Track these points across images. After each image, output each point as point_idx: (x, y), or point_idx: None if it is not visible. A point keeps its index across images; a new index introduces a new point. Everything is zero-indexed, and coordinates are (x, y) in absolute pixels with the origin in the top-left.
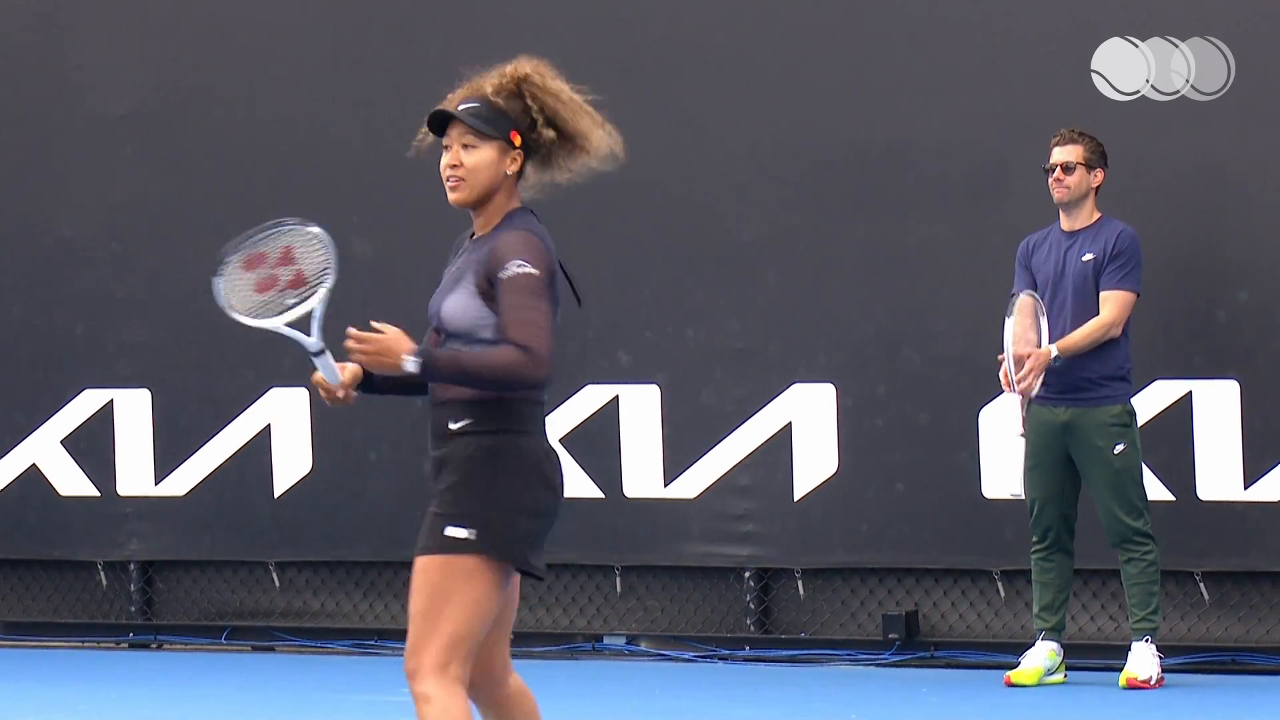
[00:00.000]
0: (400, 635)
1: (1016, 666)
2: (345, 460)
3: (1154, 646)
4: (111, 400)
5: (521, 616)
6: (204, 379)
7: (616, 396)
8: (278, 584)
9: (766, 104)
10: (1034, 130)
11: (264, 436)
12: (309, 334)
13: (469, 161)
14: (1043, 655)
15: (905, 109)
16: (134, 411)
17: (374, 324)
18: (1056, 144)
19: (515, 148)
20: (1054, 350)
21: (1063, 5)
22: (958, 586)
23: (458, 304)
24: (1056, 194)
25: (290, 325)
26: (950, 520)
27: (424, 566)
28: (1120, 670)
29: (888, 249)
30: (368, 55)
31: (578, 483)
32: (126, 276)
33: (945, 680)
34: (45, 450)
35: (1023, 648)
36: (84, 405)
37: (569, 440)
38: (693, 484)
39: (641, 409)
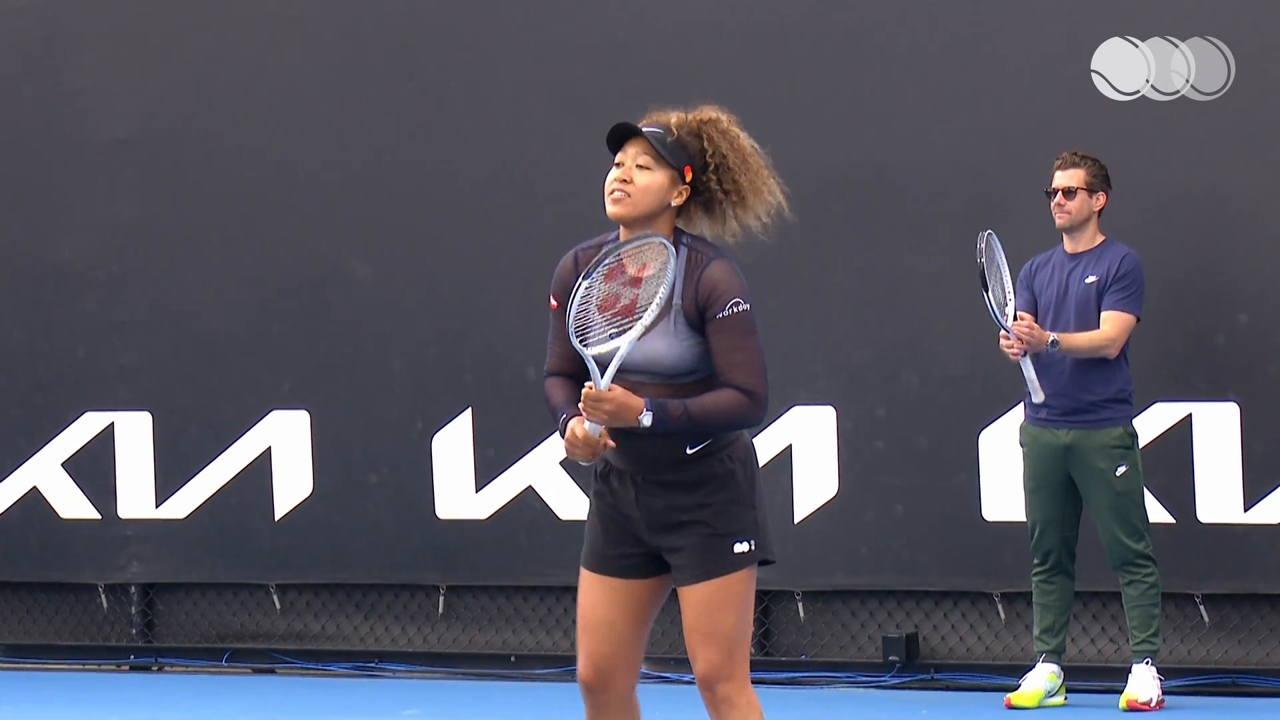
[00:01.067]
0: (400, 657)
1: (1017, 689)
2: (346, 483)
3: (1154, 669)
4: (112, 423)
5: (521, 639)
6: (204, 402)
7: None
8: (278, 606)
9: (764, 127)
10: (1035, 136)
11: (264, 459)
12: (602, 373)
13: (640, 180)
14: (1043, 677)
15: (906, 118)
16: (135, 434)
17: (595, 390)
18: (1059, 168)
19: (685, 182)
20: (1053, 337)
21: (1063, 6)
22: (958, 609)
23: (672, 349)
24: (1058, 219)
25: (596, 356)
26: (950, 542)
27: (724, 585)
28: (1121, 692)
29: (888, 271)
30: (366, 79)
31: (571, 509)
32: (126, 299)
33: (945, 702)
34: (46, 473)
35: (1023, 670)
36: (85, 428)
37: (570, 465)
38: None
39: None
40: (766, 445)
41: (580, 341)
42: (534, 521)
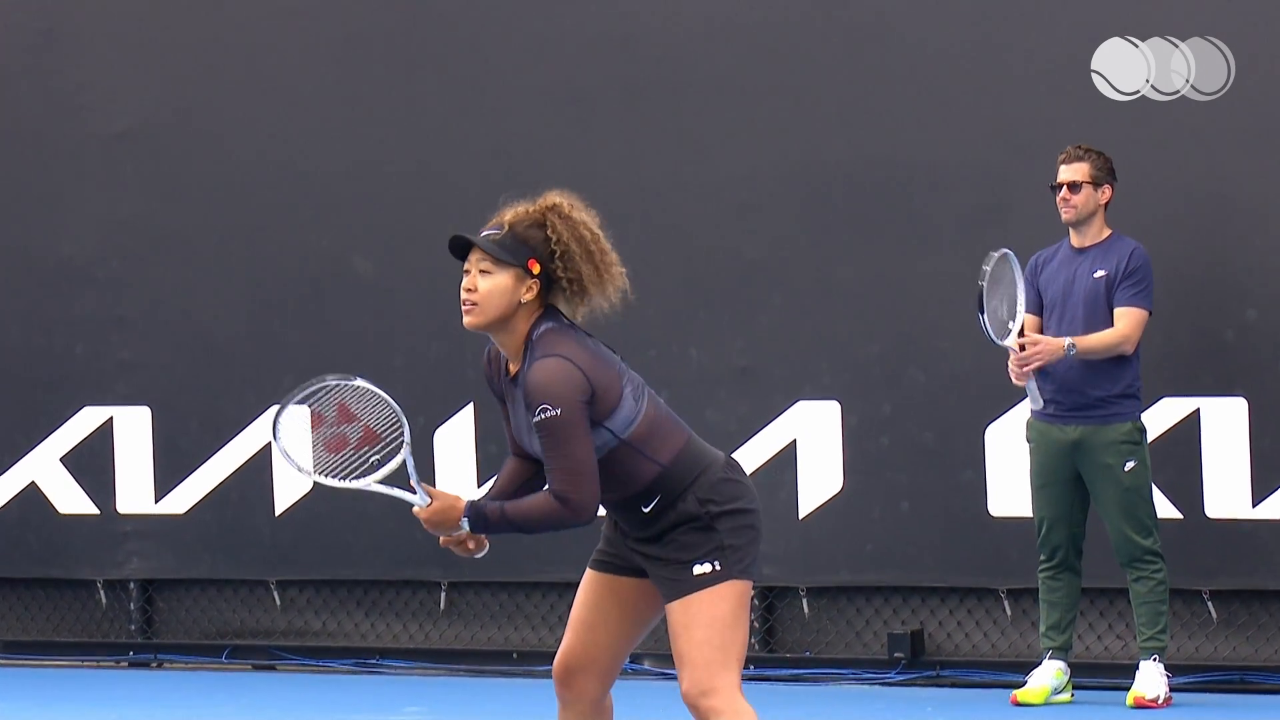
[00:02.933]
0: (401, 654)
1: (1023, 685)
2: None
3: (1162, 665)
4: (111, 418)
5: (524, 635)
6: (204, 397)
7: None
8: (279, 603)
9: (768, 124)
10: (1036, 135)
11: (264, 455)
12: (411, 490)
13: (483, 287)
14: (1050, 674)
15: (907, 122)
16: (134, 429)
17: (424, 487)
18: (1063, 161)
19: (533, 276)
20: (1069, 341)
21: (1063, 6)
22: (964, 605)
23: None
24: (1064, 213)
25: (383, 483)
26: (956, 539)
27: (686, 606)
28: (1128, 689)
29: (892, 267)
30: (367, 74)
31: None
32: (126, 295)
33: (951, 699)
34: (45, 468)
35: (1029, 666)
36: (83, 423)
37: None
38: None
39: None
40: (771, 441)
41: (349, 479)
42: None
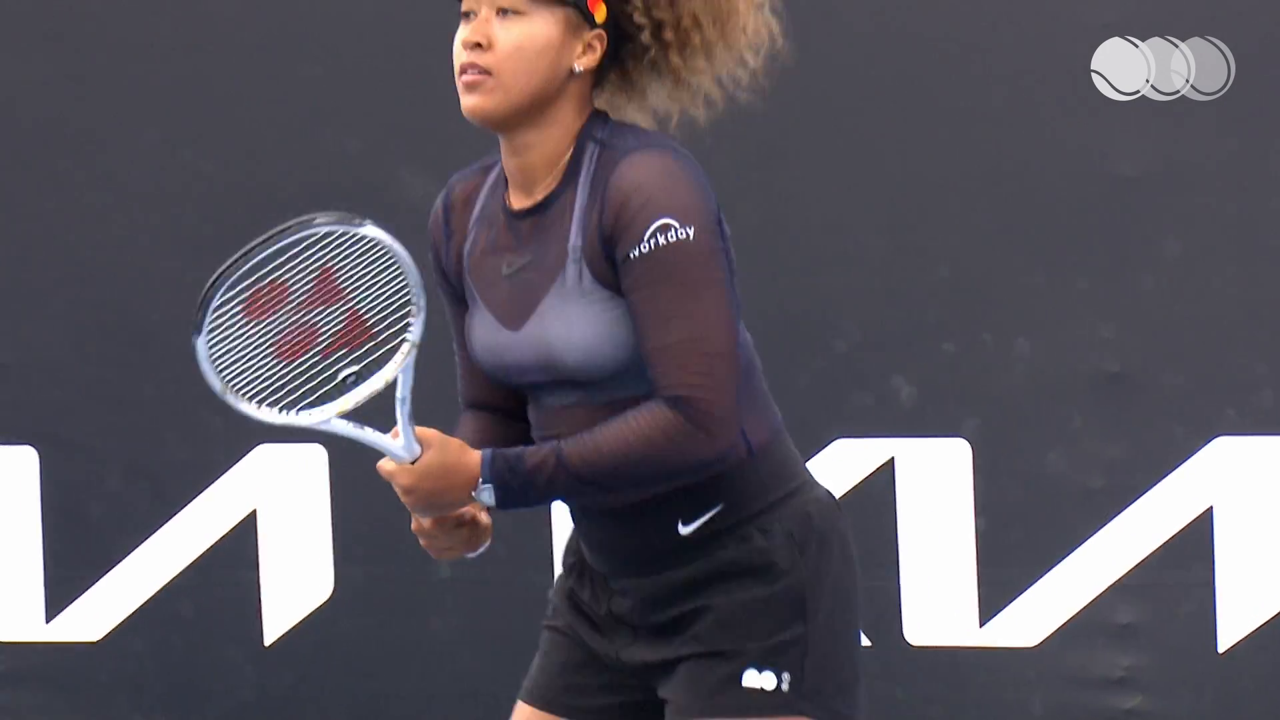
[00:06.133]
0: None
1: None
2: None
3: None
4: None
5: None
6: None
7: None
8: None
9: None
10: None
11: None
12: (394, 434)
13: (505, 39)
14: None
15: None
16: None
17: (416, 430)
18: None
19: (594, 25)
20: None
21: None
22: None
23: (578, 329)
24: None
25: (348, 418)
26: None
27: None
28: None
29: None
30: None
31: None
32: None
33: None
34: None
35: None
36: None
37: None
38: None
39: None
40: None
41: (293, 413)
42: None
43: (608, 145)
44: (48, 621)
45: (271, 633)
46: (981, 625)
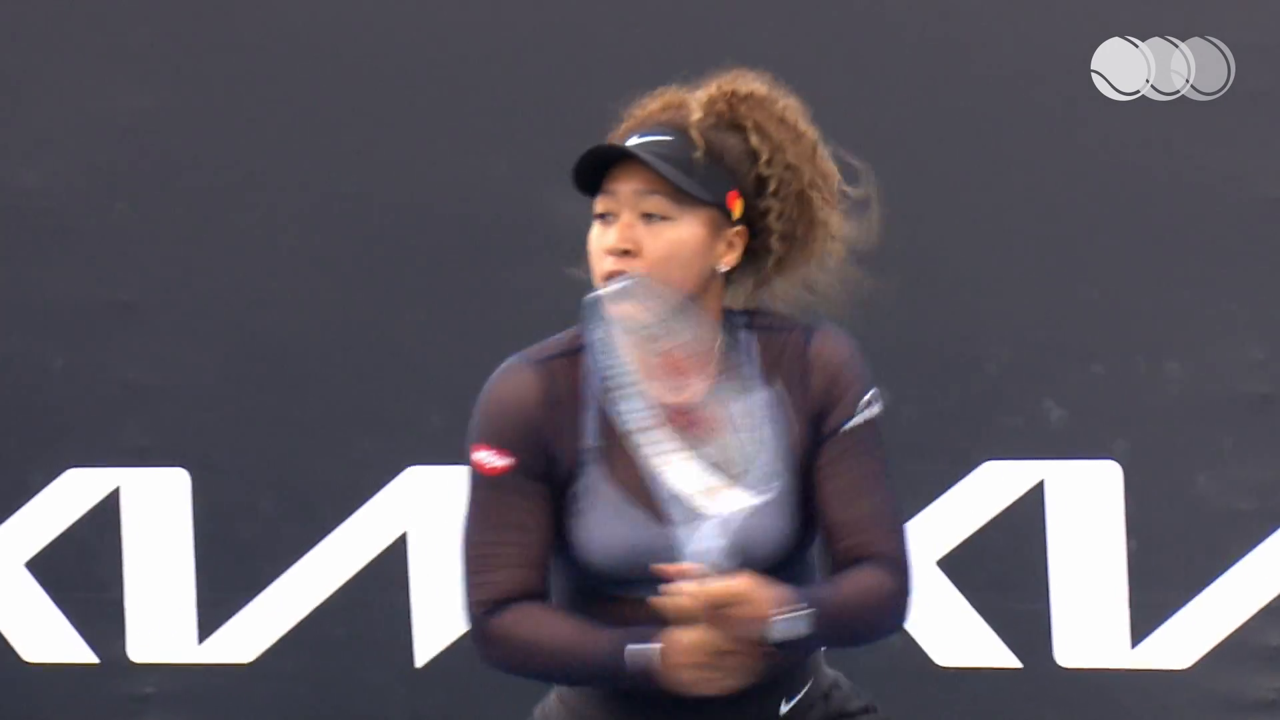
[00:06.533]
0: None
1: None
2: None
3: None
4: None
5: None
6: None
7: None
8: None
9: None
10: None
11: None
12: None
13: (655, 246)
14: None
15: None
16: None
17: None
18: None
19: (734, 221)
20: None
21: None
22: None
23: (782, 517)
24: None
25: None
26: None
27: None
28: None
29: None
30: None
31: None
32: None
33: None
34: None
35: None
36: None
37: None
38: None
39: None
40: None
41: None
42: None
43: (767, 329)
44: (200, 643)
45: (423, 654)
46: (1133, 647)
